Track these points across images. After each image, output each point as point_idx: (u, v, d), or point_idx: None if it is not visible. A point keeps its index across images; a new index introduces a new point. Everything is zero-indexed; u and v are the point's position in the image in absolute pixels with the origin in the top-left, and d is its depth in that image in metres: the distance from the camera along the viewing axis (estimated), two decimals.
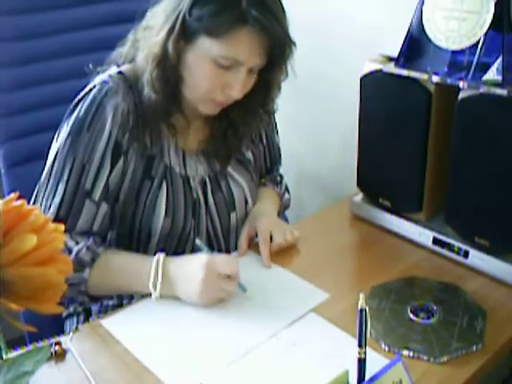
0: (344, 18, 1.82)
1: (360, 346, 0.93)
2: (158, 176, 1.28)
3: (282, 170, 1.64)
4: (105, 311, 1.31)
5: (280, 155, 1.62)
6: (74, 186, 1.22)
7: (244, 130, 1.38)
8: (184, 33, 1.17)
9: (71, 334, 1.10)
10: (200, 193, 1.34)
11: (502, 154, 1.15)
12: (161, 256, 1.18)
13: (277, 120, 1.54)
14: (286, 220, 1.68)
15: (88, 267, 1.20)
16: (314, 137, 1.98)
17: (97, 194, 1.23)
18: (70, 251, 1.19)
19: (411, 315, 1.12)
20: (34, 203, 1.25)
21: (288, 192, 1.60)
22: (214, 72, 1.19)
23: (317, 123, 1.95)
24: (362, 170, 1.44)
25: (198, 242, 1.24)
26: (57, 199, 1.22)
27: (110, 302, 1.34)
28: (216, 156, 1.37)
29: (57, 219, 1.21)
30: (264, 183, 1.53)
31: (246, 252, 1.33)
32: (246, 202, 1.41)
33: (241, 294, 1.18)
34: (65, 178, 1.22)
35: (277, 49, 1.20)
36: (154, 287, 1.16)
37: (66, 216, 1.22)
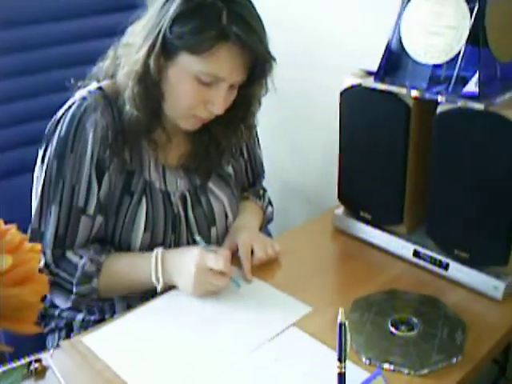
0: (324, 35, 1.85)
1: (340, 360, 0.93)
2: (138, 191, 1.28)
3: (266, 184, 1.65)
4: (86, 327, 1.31)
5: (263, 169, 1.63)
6: (68, 206, 1.25)
7: (225, 145, 1.39)
8: (165, 50, 1.18)
9: (51, 350, 1.10)
10: (180, 208, 1.34)
11: (480, 167, 1.16)
12: (159, 251, 1.24)
13: (261, 134, 1.55)
14: (269, 234, 1.68)
15: (95, 277, 1.25)
16: (298, 150, 1.99)
17: (91, 209, 1.26)
18: (75, 267, 1.25)
19: (392, 328, 1.12)
20: (31, 230, 1.28)
21: (271, 205, 1.60)
22: (195, 88, 1.20)
23: (301, 136, 1.96)
24: (342, 184, 1.44)
25: (197, 238, 1.28)
26: (53, 221, 1.25)
27: (92, 317, 1.35)
28: (196, 171, 1.38)
29: (56, 240, 1.26)
30: (246, 197, 1.54)
31: None
32: (227, 216, 1.42)
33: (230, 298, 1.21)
34: (57, 200, 1.25)
35: (257, 65, 1.22)
36: (157, 280, 1.23)
37: (64, 235, 1.27)
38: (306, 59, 1.90)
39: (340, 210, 1.48)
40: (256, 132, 1.56)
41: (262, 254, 1.32)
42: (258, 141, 1.58)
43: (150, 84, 1.21)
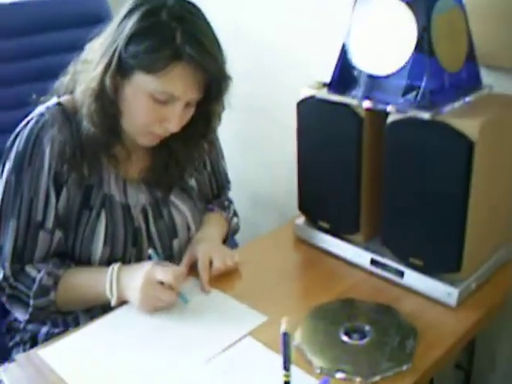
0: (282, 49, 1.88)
1: (285, 369, 0.95)
2: (97, 205, 1.30)
3: (235, 195, 1.66)
4: (51, 339, 1.31)
5: (228, 180, 1.64)
6: (26, 220, 1.26)
7: (185, 161, 1.41)
8: (120, 68, 1.20)
9: (6, 364, 1.11)
10: (141, 221, 1.35)
11: (429, 175, 1.18)
12: (115, 266, 1.25)
13: (230, 146, 1.57)
14: (236, 244, 1.70)
15: (52, 290, 1.27)
16: (266, 162, 2.01)
17: (49, 223, 1.27)
18: (33, 281, 1.26)
19: (344, 337, 1.13)
20: None
21: (237, 216, 1.62)
22: (150, 106, 1.21)
23: (268, 149, 1.98)
24: (302, 194, 1.46)
25: (150, 251, 1.29)
26: (11, 235, 1.27)
27: (56, 330, 1.35)
28: (157, 185, 1.39)
29: (15, 254, 1.28)
30: (211, 209, 1.55)
31: (186, 278, 1.34)
32: (189, 228, 1.43)
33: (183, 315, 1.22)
34: (15, 213, 1.26)
35: (213, 83, 1.24)
36: (111, 294, 1.23)
37: (22, 249, 1.28)
38: (266, 74, 1.93)
39: (301, 219, 1.49)
40: (219, 144, 1.57)
41: (220, 264, 1.33)
42: (222, 153, 1.60)
43: (107, 101, 1.22)
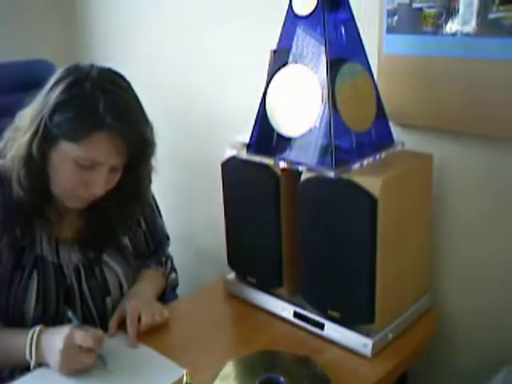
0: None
1: None
2: (29, 266, 1.34)
3: (181, 251, 1.71)
4: None
5: (165, 236, 1.69)
6: None
7: (117, 222, 1.46)
8: (46, 137, 1.25)
9: None
10: (74, 280, 1.40)
11: (339, 232, 1.24)
12: (36, 329, 1.27)
13: (175, 201, 1.61)
14: (176, 298, 1.73)
15: None
16: (212, 216, 2.05)
17: None
18: None
19: None
20: None
21: (175, 271, 1.67)
22: (76, 172, 1.27)
23: (209, 201, 2.04)
24: (230, 250, 1.52)
25: (69, 314, 1.31)
26: None
27: (4, 374, 1.38)
28: (89, 245, 1.44)
29: None
30: (147, 265, 1.59)
31: (116, 333, 1.37)
32: (121, 286, 1.47)
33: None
34: None
35: (137, 150, 1.30)
36: (31, 357, 1.25)
37: None
38: (212, 132, 2.00)
39: (232, 275, 1.54)
40: (154, 202, 1.63)
41: (148, 320, 1.37)
42: (158, 210, 1.65)
43: (35, 167, 1.28)
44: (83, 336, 1.22)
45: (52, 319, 1.35)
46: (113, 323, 1.38)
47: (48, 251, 1.37)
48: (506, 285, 1.39)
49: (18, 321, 1.35)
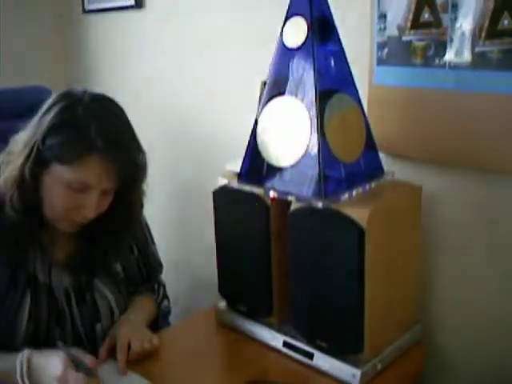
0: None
1: None
2: (22, 285, 1.35)
3: (175, 278, 1.71)
4: None
5: (159, 263, 1.70)
6: None
7: (109, 247, 1.46)
8: (39, 160, 1.27)
9: None
10: (64, 303, 1.40)
11: (328, 262, 1.25)
12: (25, 352, 1.25)
13: (167, 227, 1.62)
14: (168, 325, 1.73)
15: None
16: (204, 242, 2.06)
17: None
18: None
19: None
20: None
21: (167, 299, 1.67)
22: (67, 194, 1.28)
23: (203, 228, 2.04)
24: (221, 278, 1.52)
25: (59, 344, 1.29)
26: None
27: None
28: (81, 269, 1.44)
29: None
30: (139, 292, 1.59)
31: (106, 360, 1.37)
32: (112, 313, 1.47)
33: None
34: None
35: (127, 174, 1.31)
36: (22, 381, 1.23)
37: None
38: (192, 160, 2.03)
39: (223, 303, 1.54)
40: (148, 229, 1.64)
41: (138, 348, 1.37)
42: (151, 237, 1.66)
43: (27, 190, 1.29)
44: (76, 379, 1.20)
45: (43, 340, 1.36)
46: (103, 350, 1.38)
47: (40, 272, 1.38)
48: (496, 317, 1.39)
49: (7, 340, 1.34)
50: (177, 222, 2.24)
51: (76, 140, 1.25)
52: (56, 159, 1.26)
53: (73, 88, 1.34)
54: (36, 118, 1.31)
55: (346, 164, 1.29)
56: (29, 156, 1.28)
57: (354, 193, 1.28)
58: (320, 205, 1.21)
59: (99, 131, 1.25)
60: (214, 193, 1.46)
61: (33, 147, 1.27)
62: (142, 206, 1.48)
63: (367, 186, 1.31)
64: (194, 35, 2.00)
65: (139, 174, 1.36)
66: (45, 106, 1.31)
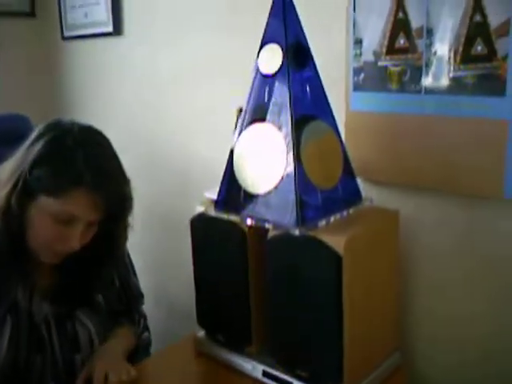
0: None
1: None
2: (2, 311, 1.33)
3: (153, 308, 1.68)
4: None
5: (140, 294, 1.68)
6: None
7: (91, 278, 1.44)
8: (25, 190, 1.26)
9: None
10: (44, 332, 1.38)
11: (306, 289, 1.23)
12: None
13: (147, 258, 1.61)
14: (148, 357, 1.70)
15: None
16: (183, 272, 2.04)
17: None
18: None
19: None
20: None
21: (148, 331, 1.65)
22: (52, 226, 1.27)
23: (183, 257, 2.02)
24: (199, 307, 1.50)
25: None
26: None
27: None
28: (63, 299, 1.42)
29: None
30: (120, 323, 1.57)
31: None
32: (92, 344, 1.45)
33: None
34: None
35: (114, 205, 1.30)
36: None
37: None
38: (170, 190, 2.02)
39: (202, 333, 1.52)
40: (129, 260, 1.63)
41: (115, 379, 1.34)
42: (133, 268, 1.64)
43: (12, 219, 1.27)
44: None
45: (23, 367, 1.33)
46: (79, 382, 1.35)
47: (22, 299, 1.35)
48: (476, 342, 1.39)
49: None
50: (155, 250, 2.22)
51: (64, 172, 1.24)
52: (43, 191, 1.25)
53: (61, 119, 1.33)
54: (23, 148, 1.29)
55: (324, 190, 1.28)
56: (15, 186, 1.26)
57: (332, 219, 1.27)
58: (297, 232, 1.20)
59: (88, 163, 1.24)
60: (191, 221, 1.44)
61: (19, 177, 1.26)
62: (126, 237, 1.46)
63: (345, 213, 1.30)
64: (173, 62, 2.01)
65: (126, 206, 1.35)
66: (32, 136, 1.29)
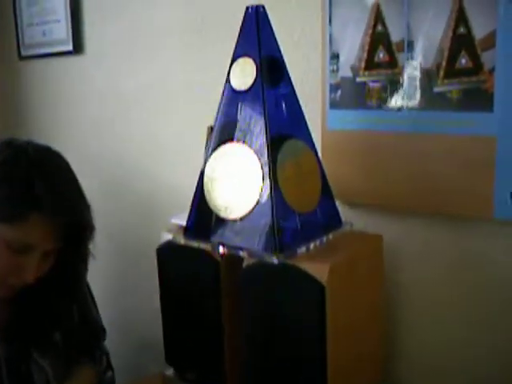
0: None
1: None
2: None
3: (117, 343, 1.58)
4: None
5: (102, 329, 1.56)
6: None
7: (47, 315, 1.32)
8: None
9: None
10: None
11: (284, 323, 1.14)
12: None
13: (109, 289, 1.52)
14: None
15: None
16: (149, 304, 1.94)
17: None
18: None
19: None
20: None
21: (111, 369, 1.54)
22: (6, 255, 1.16)
23: (148, 288, 1.93)
24: (167, 343, 1.39)
25: None
26: None
27: None
28: (17, 339, 1.30)
29: None
30: (81, 361, 1.45)
31: None
32: None
33: None
34: None
35: (74, 233, 1.20)
36: None
37: None
38: (132, 216, 1.91)
39: (170, 370, 1.41)
40: (89, 293, 1.52)
41: None
42: (93, 300, 1.54)
43: None
44: None
45: None
46: None
47: None
48: (464, 372, 1.31)
49: None
50: (119, 281, 2.10)
51: (19, 196, 1.14)
52: None
53: (15, 138, 1.23)
54: None
55: (302, 214, 1.19)
56: None
57: (312, 246, 1.17)
58: (275, 260, 1.10)
59: (44, 188, 1.13)
60: (157, 249, 1.34)
61: None
62: (85, 268, 1.35)
63: (325, 238, 1.21)
64: (137, 81, 1.91)
65: (86, 233, 1.24)
66: None
